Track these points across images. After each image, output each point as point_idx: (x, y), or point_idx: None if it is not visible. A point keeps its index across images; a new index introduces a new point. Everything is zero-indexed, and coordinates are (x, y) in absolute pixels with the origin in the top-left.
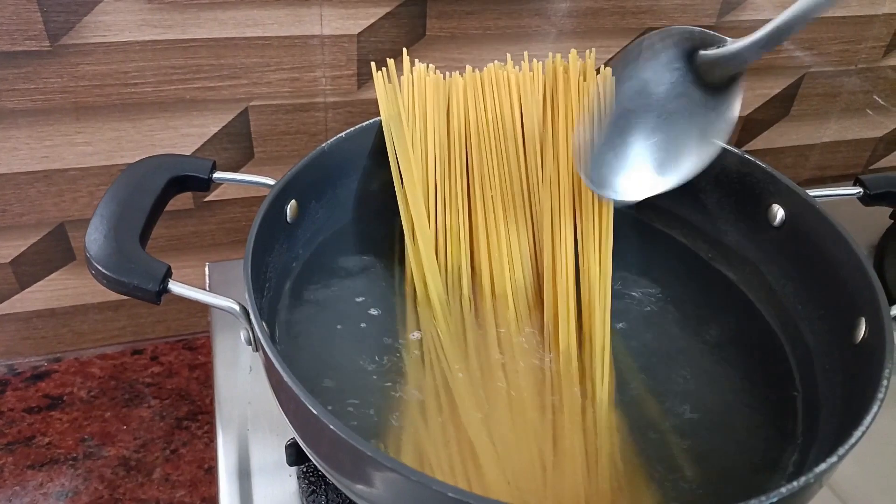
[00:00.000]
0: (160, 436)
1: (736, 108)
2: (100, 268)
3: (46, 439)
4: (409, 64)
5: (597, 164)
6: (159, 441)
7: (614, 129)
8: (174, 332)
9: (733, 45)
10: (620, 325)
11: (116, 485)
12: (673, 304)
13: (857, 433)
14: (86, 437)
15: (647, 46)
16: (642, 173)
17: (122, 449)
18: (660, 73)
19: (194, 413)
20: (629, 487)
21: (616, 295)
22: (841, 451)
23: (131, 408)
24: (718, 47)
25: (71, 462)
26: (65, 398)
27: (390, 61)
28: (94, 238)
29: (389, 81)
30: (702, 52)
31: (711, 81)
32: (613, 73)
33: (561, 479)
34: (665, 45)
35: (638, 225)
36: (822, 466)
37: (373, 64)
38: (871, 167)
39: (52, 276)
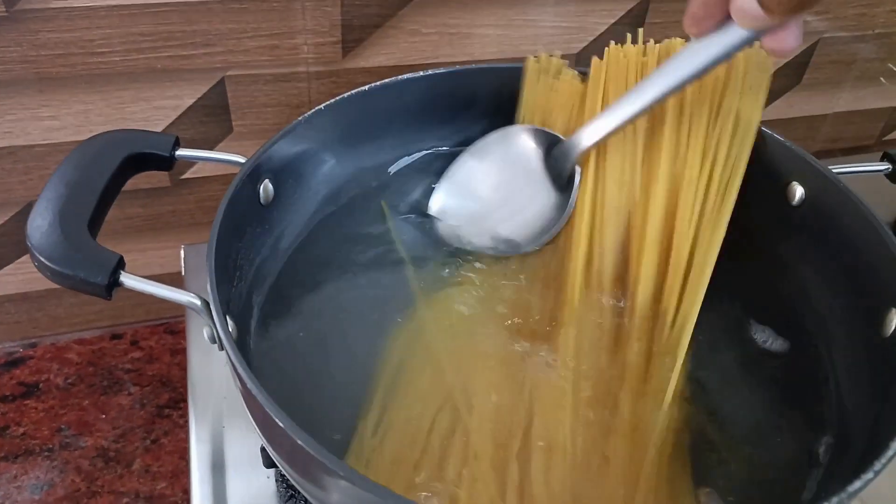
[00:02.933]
0: (140, 424)
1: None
2: (42, 259)
3: (21, 429)
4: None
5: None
6: (139, 430)
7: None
8: (155, 316)
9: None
10: None
11: (94, 476)
12: None
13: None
14: (62, 426)
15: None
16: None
17: (100, 439)
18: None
19: (176, 400)
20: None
21: None
22: (877, 465)
23: (110, 395)
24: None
25: (46, 453)
26: (40, 386)
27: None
28: (37, 225)
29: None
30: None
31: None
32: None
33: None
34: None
35: None
36: (857, 484)
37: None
38: (884, 139)
39: (24, 258)
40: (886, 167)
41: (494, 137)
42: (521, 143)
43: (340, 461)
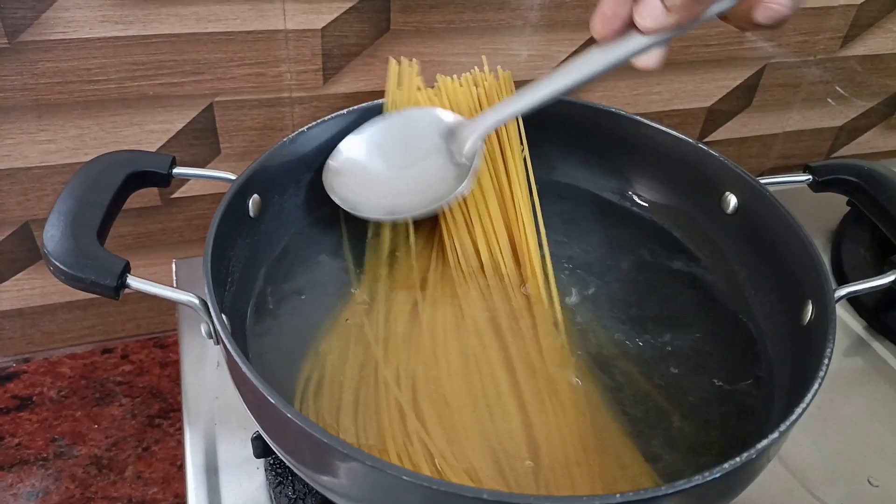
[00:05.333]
0: (132, 434)
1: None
2: (57, 264)
3: (16, 440)
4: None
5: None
6: (131, 439)
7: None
8: (145, 331)
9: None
10: (590, 291)
11: (88, 483)
12: (639, 286)
13: (798, 410)
14: (56, 436)
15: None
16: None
17: (93, 448)
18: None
19: (166, 411)
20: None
21: (584, 269)
22: (782, 427)
23: (102, 407)
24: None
25: (41, 462)
26: (34, 399)
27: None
28: (51, 234)
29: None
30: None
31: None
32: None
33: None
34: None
35: (608, 206)
36: (764, 443)
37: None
38: (833, 155)
39: (19, 276)
40: (808, 178)
41: (397, 115)
42: (423, 120)
43: (332, 435)
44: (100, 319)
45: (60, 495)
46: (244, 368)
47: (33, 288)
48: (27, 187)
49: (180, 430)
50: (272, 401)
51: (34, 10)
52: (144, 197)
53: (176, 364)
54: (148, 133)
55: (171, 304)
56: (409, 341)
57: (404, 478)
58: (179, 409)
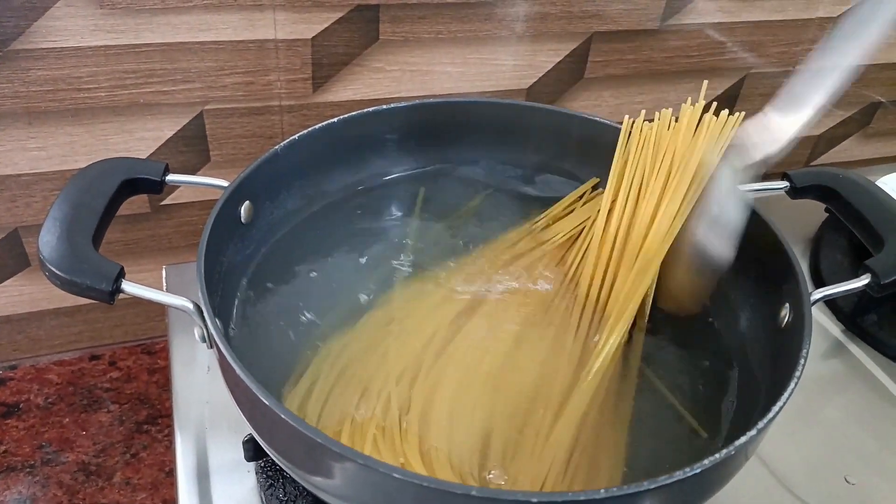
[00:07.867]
0: (120, 440)
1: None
2: (53, 269)
3: (2, 447)
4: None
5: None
6: (119, 445)
7: None
8: (132, 337)
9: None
10: None
11: (76, 490)
12: None
13: (775, 408)
14: (43, 443)
15: None
16: None
17: (81, 454)
18: None
19: (154, 417)
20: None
21: None
22: (760, 424)
23: (90, 413)
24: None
25: (28, 469)
26: (21, 405)
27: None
28: (46, 240)
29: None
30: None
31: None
32: None
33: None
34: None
35: None
36: (743, 440)
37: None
38: (812, 163)
39: (7, 282)
40: (785, 185)
41: None
42: None
43: (325, 434)
44: (87, 326)
45: (48, 502)
46: (238, 370)
47: (21, 294)
48: (16, 194)
49: (168, 436)
50: (266, 402)
51: (26, 19)
52: (134, 204)
53: (164, 370)
54: (138, 140)
55: (159, 311)
56: (409, 345)
57: (395, 475)
58: (167, 416)
